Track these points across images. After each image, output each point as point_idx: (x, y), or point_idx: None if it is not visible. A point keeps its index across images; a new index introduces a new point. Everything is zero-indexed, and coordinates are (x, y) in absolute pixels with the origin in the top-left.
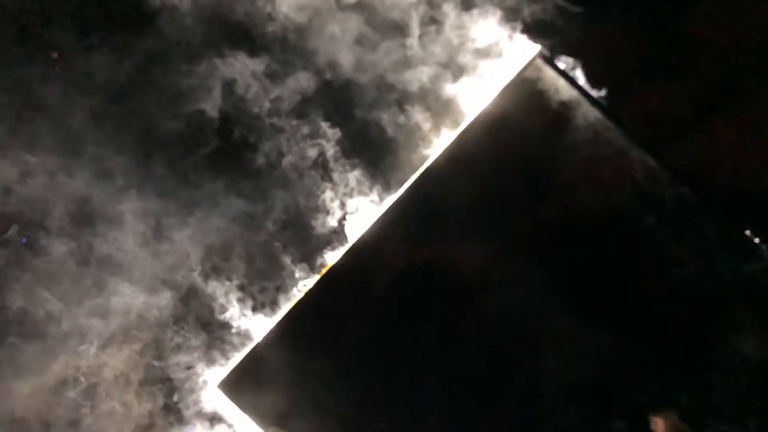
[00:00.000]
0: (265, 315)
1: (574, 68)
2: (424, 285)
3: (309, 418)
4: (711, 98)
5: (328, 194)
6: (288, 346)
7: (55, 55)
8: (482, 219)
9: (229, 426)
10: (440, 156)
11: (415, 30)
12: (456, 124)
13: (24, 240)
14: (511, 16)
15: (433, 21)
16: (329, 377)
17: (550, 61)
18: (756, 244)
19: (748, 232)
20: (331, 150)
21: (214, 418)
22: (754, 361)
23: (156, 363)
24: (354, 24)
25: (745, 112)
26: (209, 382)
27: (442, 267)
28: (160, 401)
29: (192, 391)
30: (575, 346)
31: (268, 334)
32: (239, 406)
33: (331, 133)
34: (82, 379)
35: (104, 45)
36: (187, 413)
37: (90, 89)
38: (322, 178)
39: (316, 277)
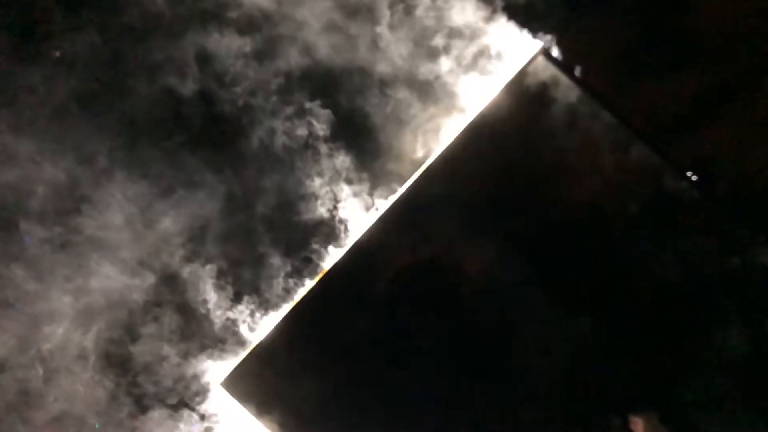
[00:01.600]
0: (246, 304)
1: (550, 46)
2: (426, 283)
3: (311, 417)
4: (711, 92)
5: (317, 181)
6: (289, 345)
7: (57, 53)
8: (484, 216)
9: (200, 415)
10: (442, 154)
11: (386, 15)
12: (449, 115)
13: (27, 239)
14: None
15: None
16: (330, 376)
17: (552, 58)
18: (746, 237)
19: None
20: (320, 135)
21: (179, 408)
22: (739, 355)
23: (126, 348)
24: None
25: (745, 107)
26: (185, 371)
27: (444, 265)
28: (125, 387)
29: (160, 377)
30: (572, 341)
31: (271, 333)
32: (242, 403)
33: (320, 116)
34: (47, 356)
35: (89, 24)
36: (153, 402)
37: (73, 69)
38: (313, 161)
39: (299, 266)
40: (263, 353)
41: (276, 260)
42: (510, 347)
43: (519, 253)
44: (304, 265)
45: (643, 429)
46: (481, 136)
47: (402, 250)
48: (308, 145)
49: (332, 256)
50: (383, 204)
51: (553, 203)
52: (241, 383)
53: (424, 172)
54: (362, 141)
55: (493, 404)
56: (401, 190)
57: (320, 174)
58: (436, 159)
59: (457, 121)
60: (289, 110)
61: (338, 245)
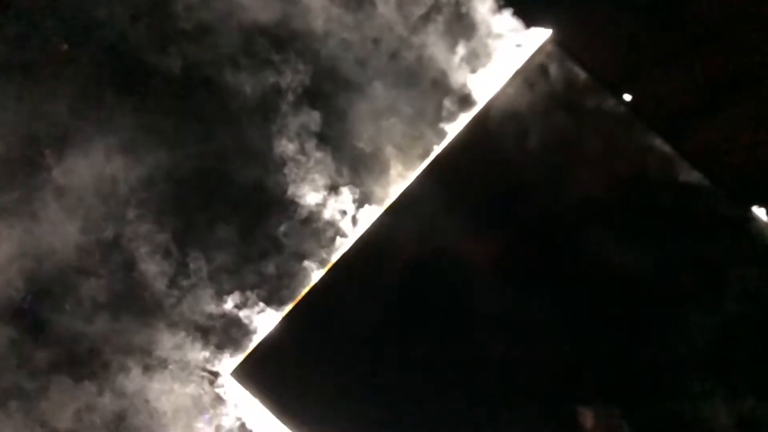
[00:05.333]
0: (193, 272)
1: (559, 36)
2: (434, 274)
3: (319, 407)
4: (720, 80)
5: (289, 147)
6: (298, 336)
7: (65, 47)
8: (492, 208)
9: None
10: (450, 144)
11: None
12: (456, 106)
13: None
14: None
15: None
16: (337, 368)
17: (561, 47)
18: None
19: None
20: (291, 96)
21: (103, 381)
22: (706, 340)
23: (57, 306)
24: None
25: (754, 95)
26: (109, 337)
27: (452, 256)
28: (42, 347)
29: (84, 342)
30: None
31: (280, 323)
32: (253, 394)
33: (292, 78)
34: None
35: None
36: (62, 366)
37: (52, 26)
38: (281, 125)
39: (255, 239)
40: (272, 343)
41: (231, 230)
42: (520, 339)
43: (528, 245)
44: (262, 238)
45: (592, 421)
46: (488, 126)
47: (409, 242)
48: (277, 111)
49: (291, 230)
50: (345, 178)
51: (562, 194)
52: (251, 372)
53: (431, 164)
54: (331, 106)
55: (488, 394)
56: (407, 182)
57: (289, 138)
58: (443, 150)
59: (465, 112)
60: (258, 68)
61: (292, 218)
